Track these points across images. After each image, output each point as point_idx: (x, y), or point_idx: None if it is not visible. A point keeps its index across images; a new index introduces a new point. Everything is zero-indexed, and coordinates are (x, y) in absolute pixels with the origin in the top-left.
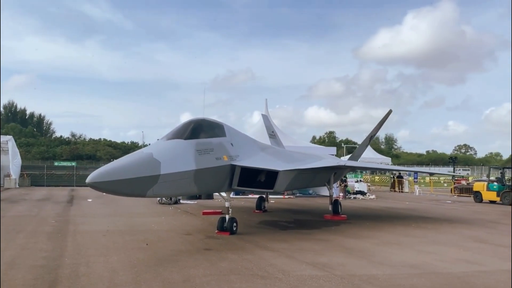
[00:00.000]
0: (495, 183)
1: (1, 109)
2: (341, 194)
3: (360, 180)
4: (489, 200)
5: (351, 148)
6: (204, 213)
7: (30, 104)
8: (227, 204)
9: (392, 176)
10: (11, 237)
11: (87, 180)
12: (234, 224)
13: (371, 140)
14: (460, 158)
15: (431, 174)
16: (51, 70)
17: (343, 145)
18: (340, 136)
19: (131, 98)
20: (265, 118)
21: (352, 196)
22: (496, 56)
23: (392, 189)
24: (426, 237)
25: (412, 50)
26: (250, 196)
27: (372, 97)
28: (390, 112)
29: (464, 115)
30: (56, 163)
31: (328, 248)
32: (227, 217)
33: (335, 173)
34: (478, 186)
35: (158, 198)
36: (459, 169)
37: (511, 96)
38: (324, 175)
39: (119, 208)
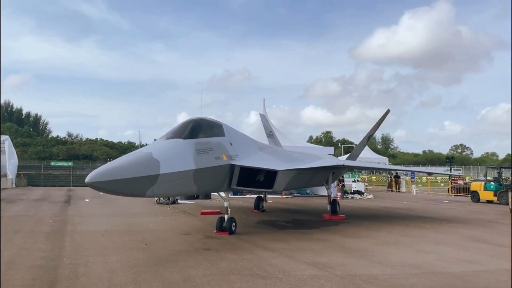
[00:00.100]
0: (492, 183)
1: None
2: (339, 193)
3: (358, 180)
4: (486, 200)
5: (348, 148)
6: (202, 213)
7: (27, 104)
8: (226, 204)
9: (389, 176)
10: (9, 237)
11: (86, 179)
12: (233, 224)
13: (369, 139)
14: (457, 158)
15: (429, 174)
16: (47, 70)
17: (340, 145)
18: (337, 136)
19: (128, 98)
20: (263, 118)
21: (350, 195)
22: (492, 56)
23: (389, 189)
24: (425, 237)
25: (408, 50)
26: (248, 196)
27: (368, 97)
28: (388, 112)
29: (460, 115)
30: (52, 163)
31: (327, 248)
32: (226, 217)
33: (334, 173)
34: (475, 186)
35: (156, 198)
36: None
37: (511, 96)
38: (322, 174)
39: (117, 208)
